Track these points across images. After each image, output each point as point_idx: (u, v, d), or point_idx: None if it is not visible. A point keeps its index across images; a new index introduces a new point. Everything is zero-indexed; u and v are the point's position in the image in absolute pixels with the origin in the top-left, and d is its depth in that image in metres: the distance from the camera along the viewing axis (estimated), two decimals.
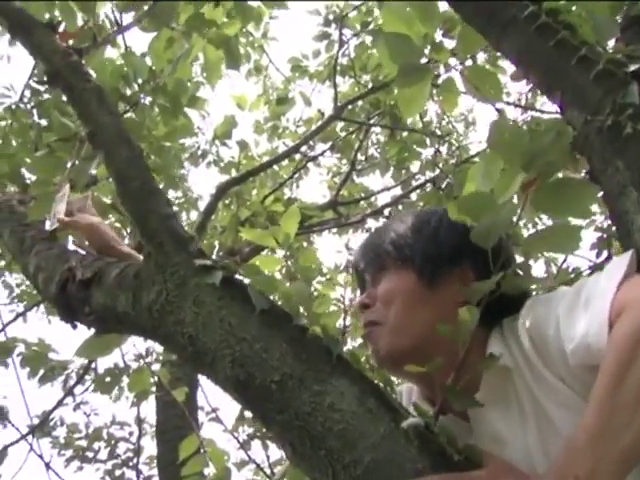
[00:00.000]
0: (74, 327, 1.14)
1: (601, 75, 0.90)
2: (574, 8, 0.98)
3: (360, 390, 0.81)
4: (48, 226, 1.45)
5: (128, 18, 1.73)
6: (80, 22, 1.33)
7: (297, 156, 4.44)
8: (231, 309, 0.87)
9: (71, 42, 1.18)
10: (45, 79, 1.10)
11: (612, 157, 0.89)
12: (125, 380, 2.50)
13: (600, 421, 0.69)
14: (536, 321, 0.88)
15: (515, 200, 0.99)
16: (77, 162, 1.63)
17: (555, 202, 0.95)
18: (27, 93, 3.22)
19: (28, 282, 4.31)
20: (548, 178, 0.96)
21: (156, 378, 1.94)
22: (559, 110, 0.95)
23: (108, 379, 2.12)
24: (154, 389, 2.18)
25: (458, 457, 0.77)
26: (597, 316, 0.76)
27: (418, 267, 0.97)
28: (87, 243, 1.23)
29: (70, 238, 1.49)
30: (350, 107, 3.88)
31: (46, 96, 3.10)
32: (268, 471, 3.33)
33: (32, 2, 1.29)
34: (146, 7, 1.34)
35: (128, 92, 1.91)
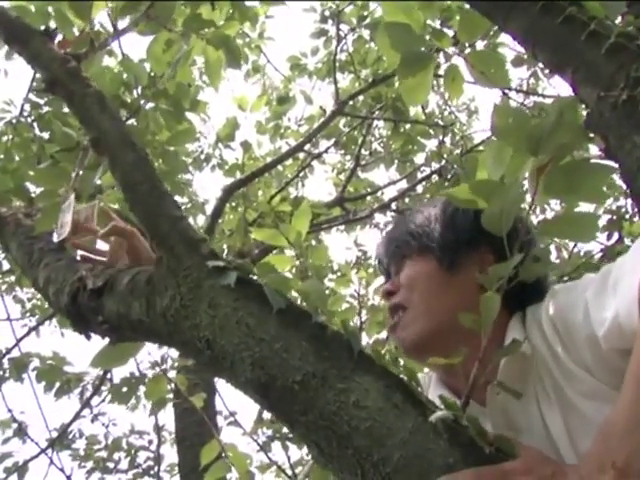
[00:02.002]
0: (88, 338, 1.13)
1: (613, 49, 0.87)
2: None
3: (385, 386, 0.79)
4: (56, 237, 1.44)
5: (124, 24, 1.72)
6: (76, 30, 1.31)
7: (300, 155, 4.43)
8: (248, 310, 0.85)
9: (68, 50, 1.16)
10: (44, 87, 1.08)
11: (629, 133, 0.86)
12: (141, 389, 2.49)
13: (636, 405, 0.67)
14: (560, 308, 0.87)
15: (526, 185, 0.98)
16: (81, 172, 1.62)
17: (567, 185, 0.93)
18: (27, 107, 3.22)
19: (39, 296, 4.31)
20: (560, 160, 0.94)
21: (173, 385, 1.93)
22: (572, 89, 0.93)
23: (124, 389, 2.10)
24: (171, 396, 2.17)
25: (489, 449, 0.75)
26: (626, 296, 0.74)
27: (437, 253, 0.99)
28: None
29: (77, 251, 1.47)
30: (351, 102, 3.86)
31: (46, 109, 3.10)
32: (289, 472, 3.32)
33: (29, 12, 1.28)
34: (142, 10, 1.32)
35: (129, 99, 1.89)
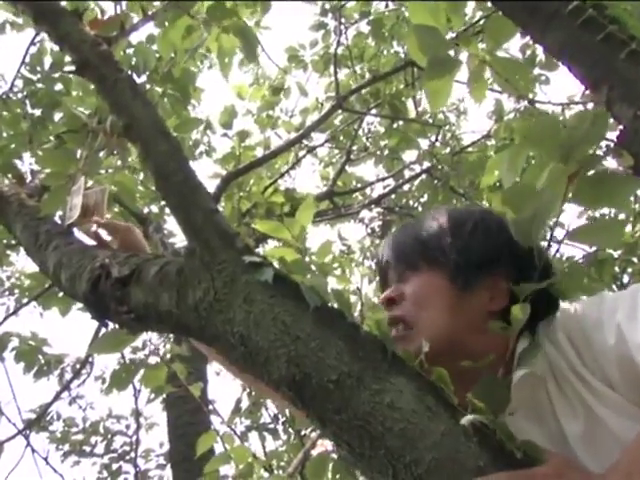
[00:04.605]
0: (105, 326, 1.12)
1: None
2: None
3: (417, 388, 0.80)
4: (65, 220, 1.42)
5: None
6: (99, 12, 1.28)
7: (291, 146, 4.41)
8: (284, 307, 0.85)
9: (97, 32, 1.14)
10: (74, 69, 1.06)
11: None
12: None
13: None
14: (581, 327, 0.87)
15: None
16: (88, 154, 1.60)
17: (595, 195, 0.95)
18: (17, 83, 3.15)
19: (19, 275, 4.25)
20: (589, 169, 0.96)
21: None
22: (605, 106, 0.94)
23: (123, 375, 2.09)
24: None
25: (519, 453, 0.77)
26: None
27: (451, 273, 0.95)
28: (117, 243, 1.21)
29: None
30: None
31: (39, 86, 3.04)
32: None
33: None
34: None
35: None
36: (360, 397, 0.79)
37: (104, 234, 1.28)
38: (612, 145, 0.96)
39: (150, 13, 1.31)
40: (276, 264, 1.15)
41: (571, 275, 0.88)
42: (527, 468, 0.75)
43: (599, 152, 0.99)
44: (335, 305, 0.91)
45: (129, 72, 1.94)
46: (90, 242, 1.31)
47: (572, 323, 0.89)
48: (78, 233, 1.41)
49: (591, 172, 0.95)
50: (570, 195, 0.93)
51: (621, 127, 0.93)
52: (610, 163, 1.11)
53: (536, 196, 0.92)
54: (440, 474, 0.76)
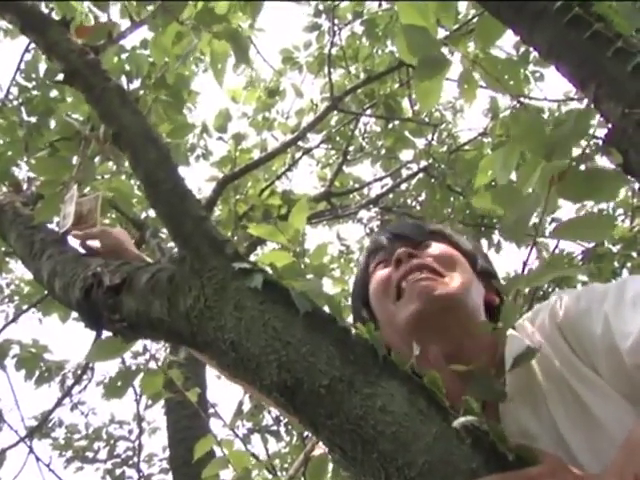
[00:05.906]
0: (99, 334, 1.12)
1: (639, 67, 0.89)
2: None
3: (409, 391, 0.80)
4: (59, 229, 1.42)
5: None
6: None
7: (287, 148, 4.41)
8: (274, 313, 0.85)
9: (84, 40, 1.14)
10: (62, 79, 1.06)
11: None
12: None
13: None
14: (569, 317, 0.89)
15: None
16: (82, 161, 1.60)
17: (584, 191, 0.95)
18: (13, 90, 3.14)
19: (18, 282, 4.25)
20: (577, 167, 0.96)
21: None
22: (593, 104, 0.94)
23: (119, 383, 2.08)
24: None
25: (511, 455, 0.77)
26: None
27: (466, 256, 1.04)
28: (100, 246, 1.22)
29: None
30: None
31: (34, 93, 3.04)
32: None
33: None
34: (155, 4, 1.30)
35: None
36: (352, 401, 0.79)
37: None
38: (601, 143, 0.96)
39: (139, 20, 1.31)
40: (270, 269, 1.15)
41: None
42: (520, 469, 0.75)
43: (588, 150, 0.99)
44: (327, 309, 0.91)
45: (122, 78, 1.95)
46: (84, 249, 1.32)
47: (562, 314, 0.91)
48: (72, 241, 1.41)
49: (580, 169, 0.96)
50: (558, 192, 0.94)
51: (609, 125, 0.93)
52: (602, 161, 1.12)
53: (522, 195, 0.93)
54: (433, 477, 0.76)
